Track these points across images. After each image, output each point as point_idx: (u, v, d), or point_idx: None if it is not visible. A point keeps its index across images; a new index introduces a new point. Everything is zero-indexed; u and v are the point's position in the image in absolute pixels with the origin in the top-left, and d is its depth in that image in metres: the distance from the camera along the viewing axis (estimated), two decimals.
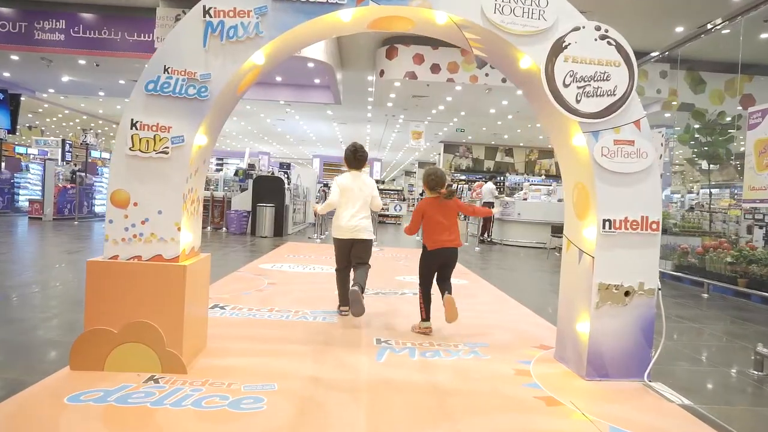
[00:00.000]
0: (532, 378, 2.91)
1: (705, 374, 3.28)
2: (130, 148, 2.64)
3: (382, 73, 12.92)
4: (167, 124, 2.66)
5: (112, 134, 28.13)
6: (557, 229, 10.08)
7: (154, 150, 2.65)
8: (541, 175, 26.28)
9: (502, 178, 25.66)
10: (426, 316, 3.73)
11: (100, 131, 28.11)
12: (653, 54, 9.48)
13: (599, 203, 2.87)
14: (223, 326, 3.64)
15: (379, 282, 5.86)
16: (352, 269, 4.20)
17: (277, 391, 2.51)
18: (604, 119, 2.88)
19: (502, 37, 2.84)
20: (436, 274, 3.79)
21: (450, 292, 3.68)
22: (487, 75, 12.70)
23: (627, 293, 2.90)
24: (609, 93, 2.86)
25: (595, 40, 2.87)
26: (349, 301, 3.72)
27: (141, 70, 2.67)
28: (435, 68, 12.62)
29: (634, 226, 2.89)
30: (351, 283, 4.05)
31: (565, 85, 2.85)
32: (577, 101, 2.85)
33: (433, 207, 3.74)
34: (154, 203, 2.67)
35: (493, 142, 25.85)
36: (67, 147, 20.47)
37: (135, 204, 2.66)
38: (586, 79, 2.86)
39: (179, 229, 2.68)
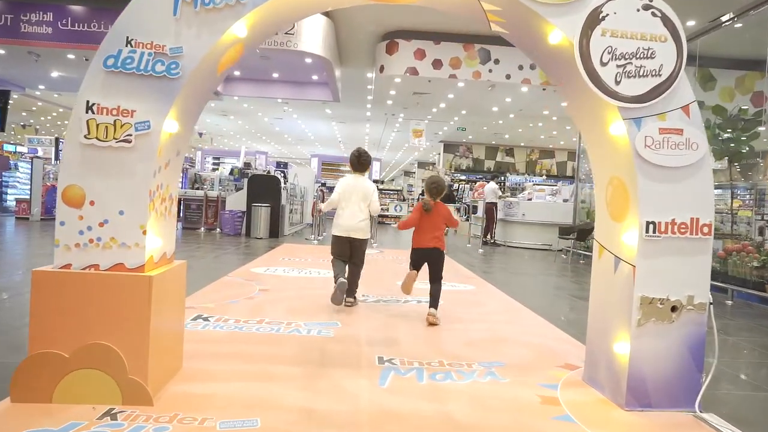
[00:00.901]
0: (561, 407, 2.48)
1: (762, 402, 2.85)
2: (85, 136, 2.20)
3: (382, 68, 12.49)
4: (130, 107, 2.23)
5: None
6: (565, 231, 9.66)
7: (115, 138, 2.22)
8: (542, 176, 25.95)
9: (503, 178, 25.31)
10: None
11: None
12: None
13: (641, 202, 2.45)
14: (204, 342, 3.21)
15: (379, 288, 5.43)
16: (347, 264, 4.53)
17: (260, 429, 2.07)
18: (648, 104, 2.45)
19: (528, 7, 2.41)
20: (425, 266, 4.21)
21: (435, 307, 4.05)
22: (490, 71, 12.28)
23: (674, 308, 2.47)
24: (654, 73, 2.44)
25: (638, 10, 2.44)
26: (334, 290, 4.25)
27: None
28: (437, 64, 12.20)
29: (682, 230, 2.46)
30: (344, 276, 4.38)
31: (603, 64, 2.42)
32: (617, 82, 2.43)
33: (429, 213, 4.13)
34: (115, 202, 2.23)
35: (493, 142, 25.50)
36: (61, 145, 20.03)
37: (91, 203, 2.22)
38: (627, 57, 2.43)
39: (145, 232, 2.25)
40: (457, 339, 3.63)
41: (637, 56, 2.43)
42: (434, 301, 4.07)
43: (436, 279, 4.15)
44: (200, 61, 2.29)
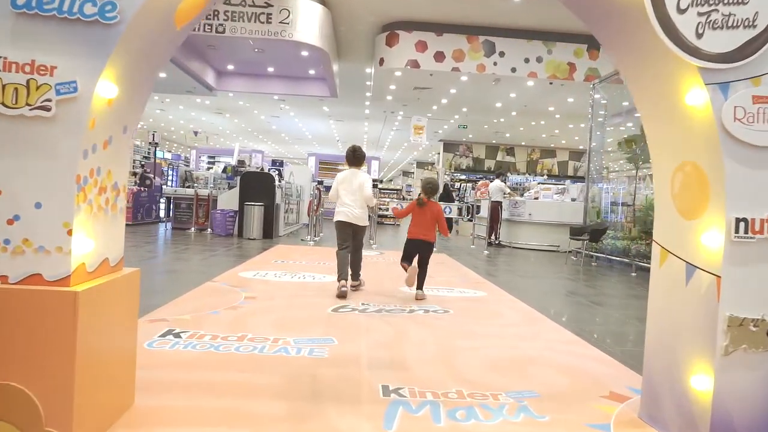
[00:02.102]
0: None
1: None
2: None
3: (381, 61, 11.93)
4: (50, 62, 1.65)
5: None
6: (576, 231, 9.09)
7: (28, 104, 1.63)
8: (543, 175, 25.52)
9: (503, 177, 24.80)
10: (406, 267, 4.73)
11: None
12: None
13: (729, 193, 1.87)
14: (169, 367, 2.63)
15: (380, 296, 4.85)
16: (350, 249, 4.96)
17: None
18: (739, 64, 1.87)
19: None
20: (416, 256, 4.84)
21: (421, 289, 4.82)
22: (495, 64, 11.73)
23: None
24: (746, 23, 1.87)
25: None
26: (354, 286, 4.92)
27: None
28: (439, 56, 11.63)
29: None
30: (350, 272, 4.89)
31: (681, 11, 1.85)
32: (698, 35, 1.85)
33: (421, 208, 4.83)
34: (29, 191, 1.65)
35: (494, 141, 25.03)
36: None
37: None
38: (711, 2, 1.86)
39: (71, 232, 1.67)
40: (476, 360, 3.05)
41: (725, 1, 1.86)
42: (420, 284, 4.82)
43: (423, 265, 4.84)
44: (147, 1, 1.70)
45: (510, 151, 25.95)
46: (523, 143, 25.35)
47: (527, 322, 4.16)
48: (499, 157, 25.88)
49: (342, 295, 4.56)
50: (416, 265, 4.72)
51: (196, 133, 27.90)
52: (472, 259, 8.85)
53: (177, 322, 3.45)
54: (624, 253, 8.60)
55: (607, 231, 8.97)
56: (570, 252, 10.17)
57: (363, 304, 4.40)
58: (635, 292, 6.25)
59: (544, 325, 4.07)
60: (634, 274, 7.80)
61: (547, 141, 24.27)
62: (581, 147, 25.86)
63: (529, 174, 25.40)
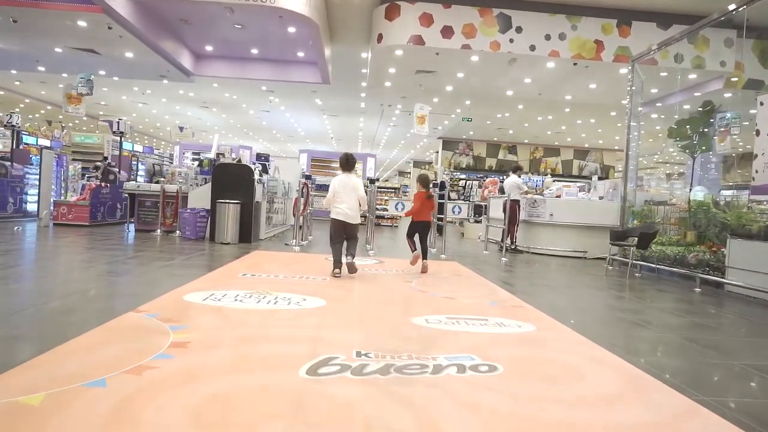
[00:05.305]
0: None
1: None
2: None
3: (380, 38, 10.31)
4: None
5: (85, 128, 25.25)
6: (618, 235, 7.48)
7: None
8: (546, 174, 24.19)
9: (503, 177, 23.40)
10: (413, 248, 6.49)
11: (71, 124, 25.25)
12: (716, 16, 6.94)
13: None
14: None
15: (385, 336, 3.20)
16: (345, 243, 5.62)
17: None
18: None
19: None
20: (417, 235, 6.50)
21: (426, 258, 6.29)
22: (511, 41, 10.17)
23: None
24: None
25: None
26: (347, 269, 5.49)
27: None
28: (447, 31, 10.04)
29: None
30: (345, 254, 5.55)
31: None
32: None
33: (422, 197, 6.41)
34: None
35: (495, 138, 23.58)
36: (22, 138, 17.69)
37: None
38: None
39: None
40: None
41: None
42: (425, 254, 6.33)
43: (424, 241, 6.43)
44: None
45: (512, 149, 24.59)
46: (525, 141, 23.99)
47: (632, 393, 2.50)
48: (500, 156, 24.54)
49: (336, 276, 5.35)
50: (420, 252, 6.29)
51: (181, 128, 26.19)
52: (491, 268, 7.23)
53: (4, 416, 1.80)
54: (676, 262, 7.01)
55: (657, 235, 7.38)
56: (603, 259, 8.58)
57: (359, 354, 2.75)
58: (726, 320, 4.65)
59: (663, 399, 2.42)
60: (698, 289, 6.20)
61: (551, 139, 22.89)
62: (586, 145, 24.41)
63: (533, 173, 24.04)
